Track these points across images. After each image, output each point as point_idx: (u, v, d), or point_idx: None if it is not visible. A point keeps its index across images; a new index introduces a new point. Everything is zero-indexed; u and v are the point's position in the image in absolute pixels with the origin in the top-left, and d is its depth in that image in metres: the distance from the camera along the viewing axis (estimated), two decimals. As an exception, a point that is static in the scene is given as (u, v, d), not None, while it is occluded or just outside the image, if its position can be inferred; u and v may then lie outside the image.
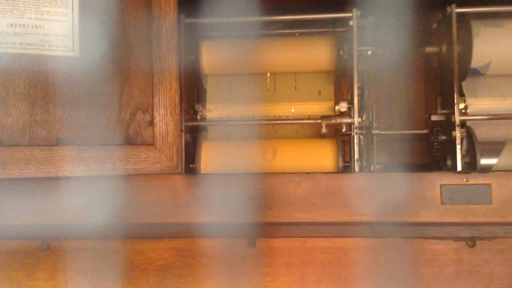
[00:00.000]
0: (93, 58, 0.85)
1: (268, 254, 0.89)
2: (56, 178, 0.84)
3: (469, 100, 0.94)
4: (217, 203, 0.83)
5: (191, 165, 0.92)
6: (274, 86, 1.01)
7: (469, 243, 0.86)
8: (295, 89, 1.00)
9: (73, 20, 0.85)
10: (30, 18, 0.84)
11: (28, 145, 0.84)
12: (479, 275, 0.86)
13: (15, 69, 0.85)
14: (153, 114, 0.84)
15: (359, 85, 0.92)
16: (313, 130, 1.00)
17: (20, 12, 0.84)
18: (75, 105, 0.85)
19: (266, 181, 0.84)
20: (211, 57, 0.99)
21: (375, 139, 0.97)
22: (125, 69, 0.85)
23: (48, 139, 0.84)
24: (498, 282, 0.86)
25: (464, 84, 0.95)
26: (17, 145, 0.84)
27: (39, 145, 0.84)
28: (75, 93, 0.85)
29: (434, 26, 1.01)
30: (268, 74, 1.02)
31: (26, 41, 0.84)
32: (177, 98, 0.85)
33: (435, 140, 0.97)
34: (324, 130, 0.92)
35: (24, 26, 0.84)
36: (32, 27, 0.84)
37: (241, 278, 0.89)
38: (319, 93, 0.99)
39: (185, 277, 0.90)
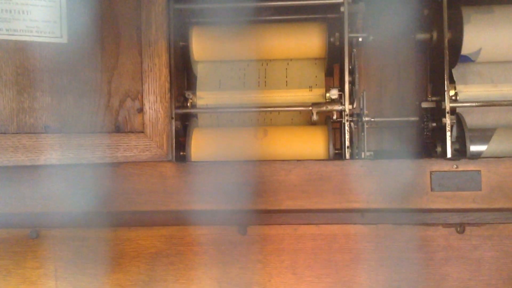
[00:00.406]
0: (81, 45, 0.84)
1: (259, 241, 0.89)
2: (44, 166, 0.83)
3: (460, 87, 0.94)
4: (208, 190, 0.83)
5: (181, 153, 0.92)
6: (265, 74, 1.00)
7: (458, 229, 0.87)
8: (286, 76, 1.00)
9: (60, 5, 0.84)
10: (17, 3, 0.83)
11: (16, 133, 0.83)
12: (468, 261, 0.87)
13: (2, 55, 0.84)
14: (142, 101, 0.84)
15: (350, 72, 0.92)
16: (304, 118, 1.00)
17: (6, -3, 0.82)
18: (64, 92, 0.84)
19: (257, 169, 0.83)
20: (201, 44, 0.98)
21: (365, 126, 0.97)
22: (114, 56, 0.84)
23: (37, 127, 0.84)
24: (487, 268, 0.86)
25: (454, 71, 0.95)
26: (5, 133, 0.83)
27: (27, 133, 0.83)
28: (63, 80, 0.84)
29: (425, 12, 1.01)
30: (259, 61, 1.02)
31: (12, 27, 0.83)
32: (167, 85, 0.84)
33: (425, 127, 0.97)
34: (315, 117, 0.92)
35: (10, 11, 0.83)
36: (19, 12, 0.83)
37: (232, 265, 0.89)
38: (311, 85, 0.98)
39: (176, 265, 0.90)
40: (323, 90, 0.97)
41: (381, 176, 0.82)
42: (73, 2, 0.84)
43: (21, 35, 0.83)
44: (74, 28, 0.84)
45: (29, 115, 0.84)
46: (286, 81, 0.99)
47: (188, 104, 0.96)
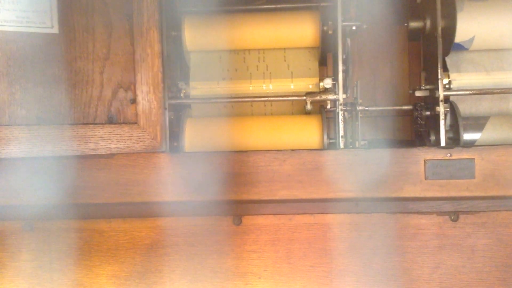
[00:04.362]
0: (72, 35, 0.83)
1: (254, 231, 0.89)
2: (37, 158, 0.82)
3: (453, 75, 0.94)
4: (202, 181, 0.83)
5: (175, 143, 0.92)
6: (258, 63, 1.00)
7: (452, 217, 0.87)
8: (281, 66, 0.99)
9: (50, -5, 0.83)
10: (6, -7, 0.82)
11: (8, 125, 0.82)
12: (462, 248, 0.87)
13: (-8, 47, 0.83)
14: (135, 92, 0.83)
15: (344, 61, 0.92)
16: (298, 107, 1.00)
17: (-5, -12, 0.81)
18: (55, 83, 0.83)
19: (251, 159, 0.83)
20: (194, 33, 0.98)
21: (359, 115, 0.97)
22: (105, 46, 0.83)
23: (29, 118, 0.83)
24: (480, 255, 0.87)
25: (447, 59, 0.95)
26: (-3, 125, 0.83)
27: (19, 125, 0.83)
28: (55, 71, 0.83)
29: (418, 0, 1.00)
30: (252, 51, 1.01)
31: (3, 18, 0.82)
32: (160, 76, 0.83)
33: (419, 115, 0.97)
34: (309, 106, 0.91)
35: (0, 2, 0.82)
36: (9, 2, 0.82)
37: (227, 256, 0.90)
38: (304, 75, 0.98)
39: (171, 256, 0.90)
40: (317, 79, 0.97)
41: (375, 165, 0.82)
42: (63, -8, 0.83)
43: (11, 26, 0.82)
44: (65, 19, 0.83)
45: (21, 106, 0.83)
46: (281, 71, 0.99)
47: (181, 95, 0.96)
